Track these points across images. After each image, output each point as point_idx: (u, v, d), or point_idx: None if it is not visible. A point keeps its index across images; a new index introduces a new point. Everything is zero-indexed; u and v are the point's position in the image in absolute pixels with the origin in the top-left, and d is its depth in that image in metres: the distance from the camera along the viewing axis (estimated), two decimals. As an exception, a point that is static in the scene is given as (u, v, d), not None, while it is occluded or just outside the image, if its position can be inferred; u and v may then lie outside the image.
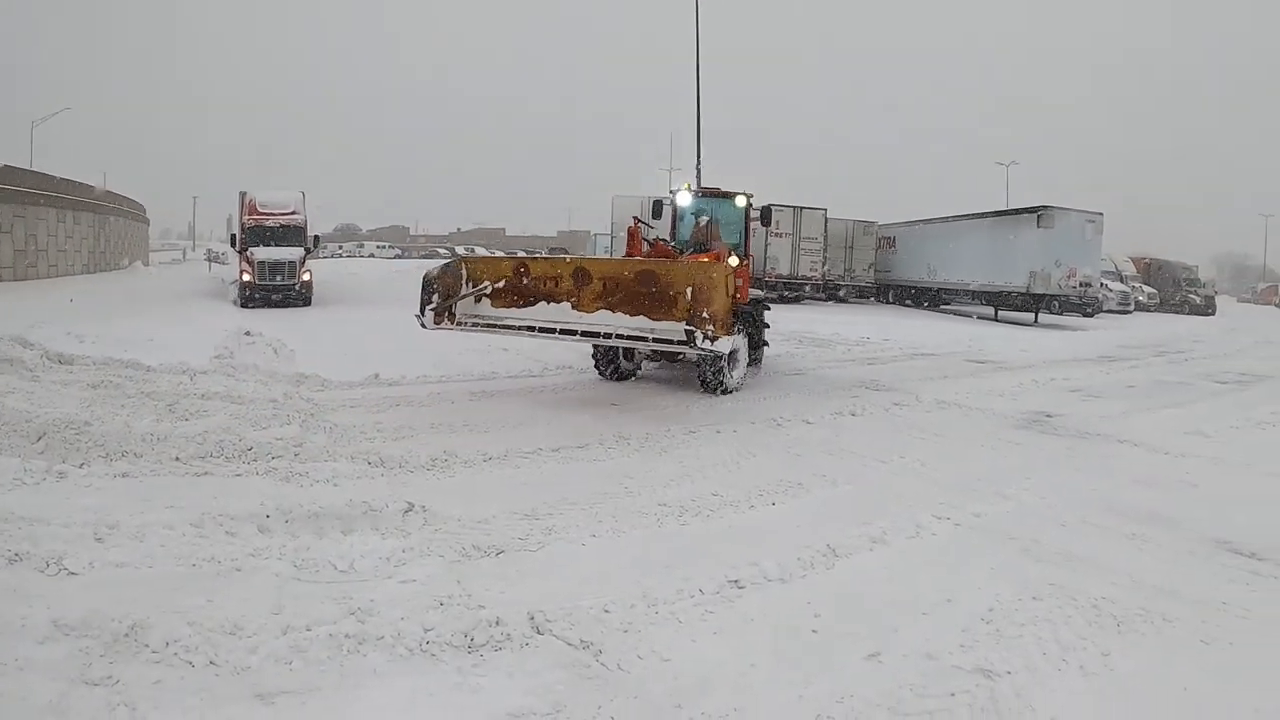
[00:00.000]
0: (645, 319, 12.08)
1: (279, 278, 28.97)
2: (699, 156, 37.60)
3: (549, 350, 18.32)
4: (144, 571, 5.95)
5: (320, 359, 15.83)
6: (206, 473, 8.36)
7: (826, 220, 41.15)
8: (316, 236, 32.22)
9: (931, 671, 5.12)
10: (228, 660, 4.78)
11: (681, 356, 15.20)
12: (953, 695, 4.84)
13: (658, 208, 17.16)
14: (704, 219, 16.00)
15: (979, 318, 38.02)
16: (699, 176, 36.86)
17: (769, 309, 17.47)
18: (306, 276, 29.70)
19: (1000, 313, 37.96)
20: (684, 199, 16.98)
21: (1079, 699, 4.91)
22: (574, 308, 12.75)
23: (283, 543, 6.60)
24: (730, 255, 15.11)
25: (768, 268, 39.02)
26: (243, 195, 31.42)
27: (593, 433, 10.93)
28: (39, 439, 9.10)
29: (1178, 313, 54.19)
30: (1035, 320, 36.31)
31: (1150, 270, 59.24)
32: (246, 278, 28.93)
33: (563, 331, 12.57)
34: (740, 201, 16.53)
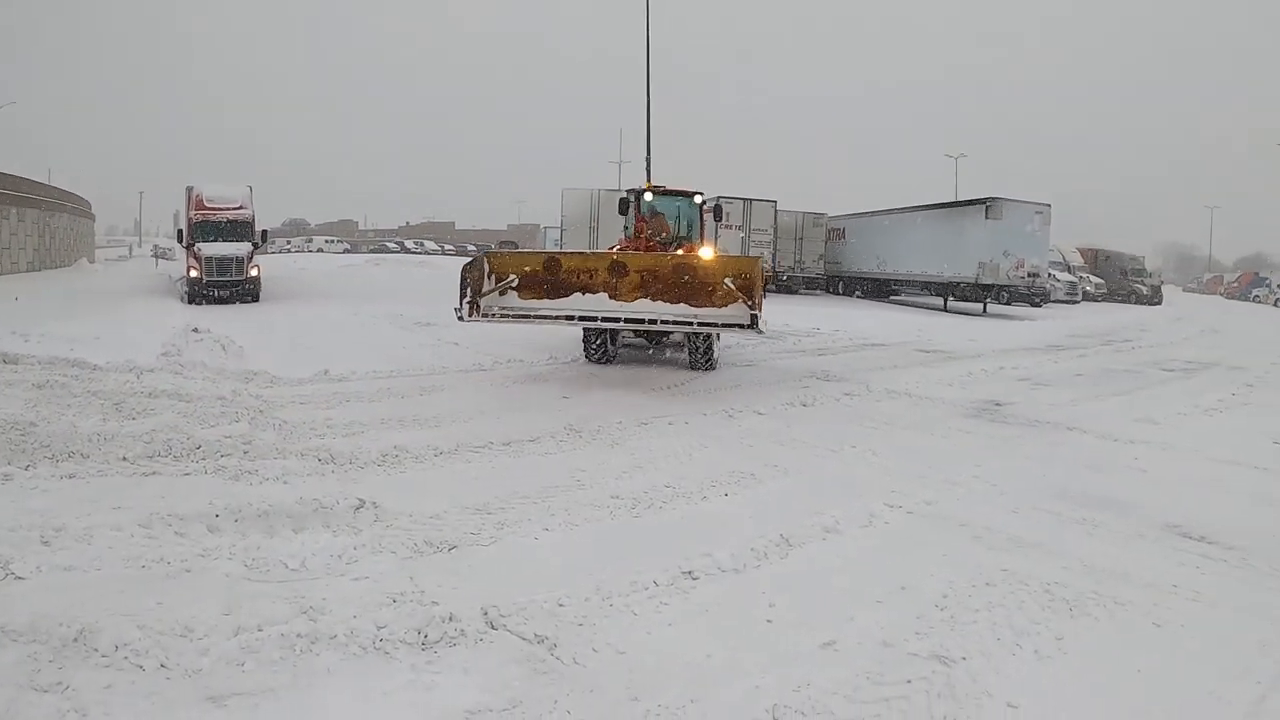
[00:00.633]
0: (686, 306, 13.77)
1: (227, 273, 28.55)
2: (649, 154, 37.63)
3: (499, 345, 18.87)
4: (92, 574, 5.86)
5: (269, 355, 15.75)
6: (154, 472, 8.24)
7: (776, 212, 41.33)
8: (264, 231, 31.87)
9: (887, 659, 5.16)
10: (179, 663, 4.72)
11: (663, 339, 17.74)
12: (909, 682, 4.88)
13: (623, 205, 18.35)
14: (663, 215, 17.89)
15: (928, 308, 38.24)
16: (649, 173, 36.91)
17: None
18: (255, 272, 29.32)
19: (949, 303, 38.22)
20: (648, 197, 17.97)
21: (1034, 683, 4.96)
22: (611, 298, 13.96)
23: (233, 542, 6.52)
24: (704, 248, 16.74)
25: (719, 260, 38.82)
26: (189, 190, 30.84)
27: (544, 426, 10.89)
28: (-17, 441, 8.97)
29: (1125, 302, 54.84)
30: (984, 310, 36.62)
31: (1097, 260, 59.94)
32: (194, 274, 28.46)
33: (605, 319, 13.91)
34: (697, 199, 18.30)
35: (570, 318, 14.06)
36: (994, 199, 34.72)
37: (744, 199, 40.23)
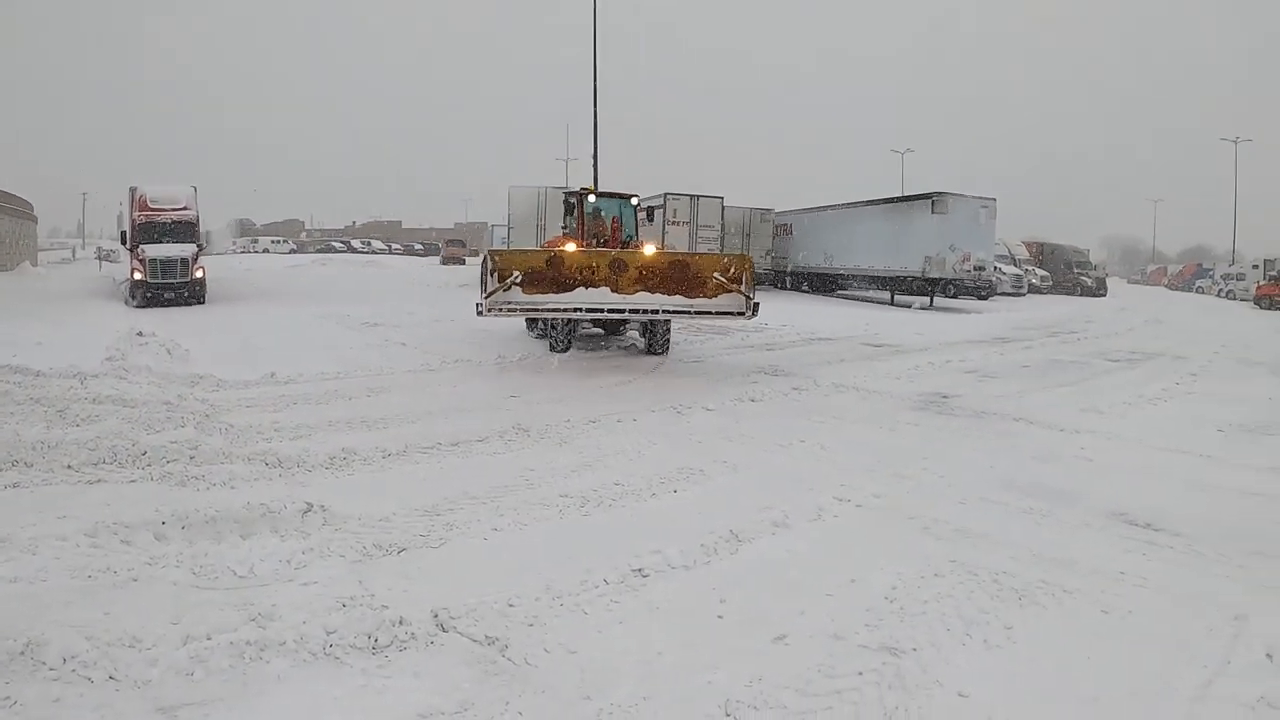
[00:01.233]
0: (682, 297, 15.55)
1: (171, 275, 28.07)
2: (595, 155, 37.68)
3: (447, 345, 18.83)
4: (38, 586, 5.77)
5: (215, 359, 15.59)
6: (100, 480, 8.13)
7: (723, 208, 41.37)
8: (209, 232, 31.57)
9: (838, 652, 5.20)
10: (127, 674, 4.67)
11: (621, 328, 20.02)
12: (860, 674, 4.92)
13: (568, 206, 20.25)
14: (603, 215, 19.53)
15: (875, 303, 38.43)
16: (595, 173, 36.99)
17: None
18: (200, 274, 28.85)
19: (896, 297, 38.40)
20: (591, 199, 19.68)
21: (984, 671, 5.02)
22: (613, 291, 15.41)
23: (180, 550, 6.45)
24: (648, 245, 17.94)
25: (665, 256, 38.96)
26: (133, 190, 30.42)
27: (492, 426, 10.86)
28: (-77, 451, 8.85)
29: (1070, 294, 55.26)
30: (931, 304, 36.82)
31: (1043, 253, 60.50)
32: (138, 276, 28.00)
33: (610, 310, 15.71)
34: (633, 201, 20.12)
35: (578, 310, 15.61)
36: (940, 194, 34.93)
37: (691, 195, 40.25)
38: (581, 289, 15.41)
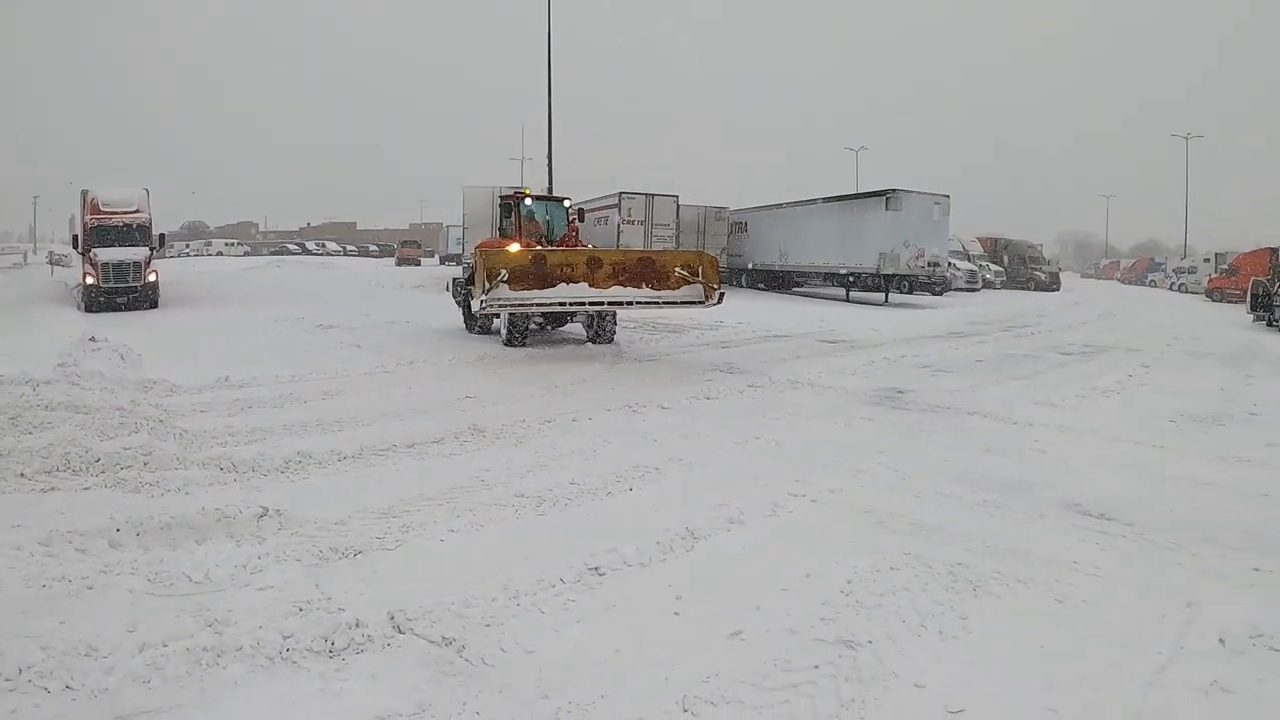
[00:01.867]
0: (650, 289, 17.07)
1: (124, 279, 27.72)
2: (550, 156, 37.70)
3: (402, 346, 18.95)
4: (-8, 596, 5.75)
5: (169, 363, 15.43)
6: (53, 488, 8.07)
7: (679, 207, 41.38)
8: (162, 235, 31.26)
9: (794, 646, 5.23)
10: (84, 683, 4.64)
11: (568, 320, 21.00)
12: (816, 667, 4.95)
13: (505, 208, 21.54)
14: (537, 218, 21.25)
15: (831, 299, 38.57)
16: (550, 173, 37.03)
17: None
18: (153, 277, 28.49)
19: (851, 294, 38.67)
20: (528, 202, 21.25)
21: (940, 662, 5.06)
22: (591, 286, 16.82)
23: (135, 557, 6.41)
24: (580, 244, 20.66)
25: (620, 256, 39.09)
26: (84, 194, 30.16)
27: (448, 427, 10.83)
28: None
29: (1024, 289, 55.91)
30: (886, 300, 37.04)
31: (997, 249, 60.98)
32: (90, 280, 27.65)
33: (591, 304, 17.22)
34: (565, 204, 22.31)
35: (563, 304, 17.11)
36: (894, 190, 35.08)
37: (646, 194, 40.24)
38: (563, 285, 16.74)
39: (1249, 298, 33.73)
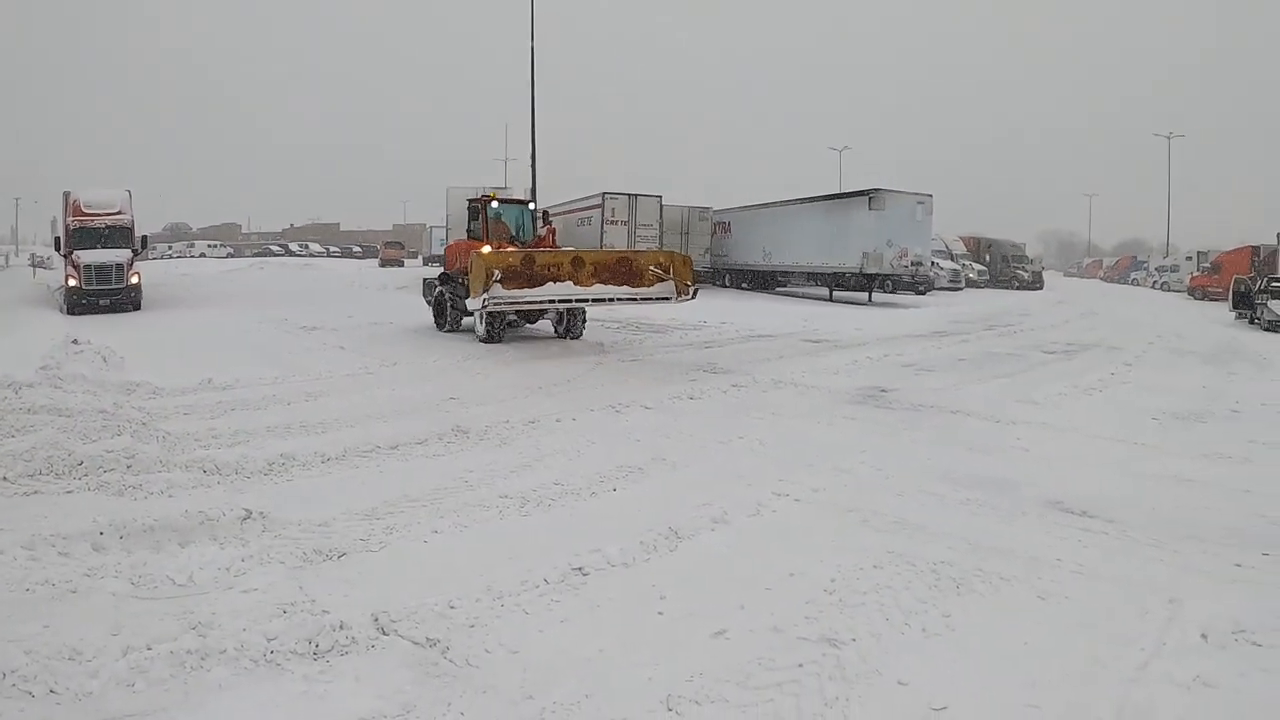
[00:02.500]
0: (628, 287, 18.19)
1: (106, 281, 27.44)
2: (533, 156, 37.69)
3: (385, 347, 19.06)
4: (-25, 601, 5.73)
5: (151, 365, 15.33)
6: (36, 491, 8.04)
7: (662, 207, 41.37)
8: (145, 237, 31.07)
9: (778, 644, 5.25)
10: (68, 687, 4.63)
11: (539, 316, 21.81)
12: (800, 666, 4.98)
13: (473, 211, 22.66)
14: (504, 219, 22.28)
15: (814, 299, 38.62)
16: (534, 174, 37.05)
17: None
18: (135, 279, 28.20)
19: (835, 293, 38.61)
20: (494, 205, 22.37)
21: (923, 660, 5.09)
22: (576, 284, 17.91)
23: (118, 560, 6.40)
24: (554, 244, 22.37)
25: (603, 256, 39.25)
26: (66, 195, 29.86)
27: (431, 428, 10.83)
28: None
29: (1007, 288, 55.98)
30: (869, 299, 37.00)
31: (980, 248, 61.10)
32: (72, 283, 27.34)
33: (577, 300, 18.44)
34: (530, 207, 23.90)
35: (552, 301, 18.36)
36: (877, 190, 35.09)
37: (629, 194, 40.21)
38: (551, 283, 17.79)
39: (1231, 296, 33.94)
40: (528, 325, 22.41)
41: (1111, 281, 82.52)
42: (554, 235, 22.80)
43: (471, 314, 20.34)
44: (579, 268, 18.22)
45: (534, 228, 23.21)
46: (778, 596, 5.97)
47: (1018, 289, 55.94)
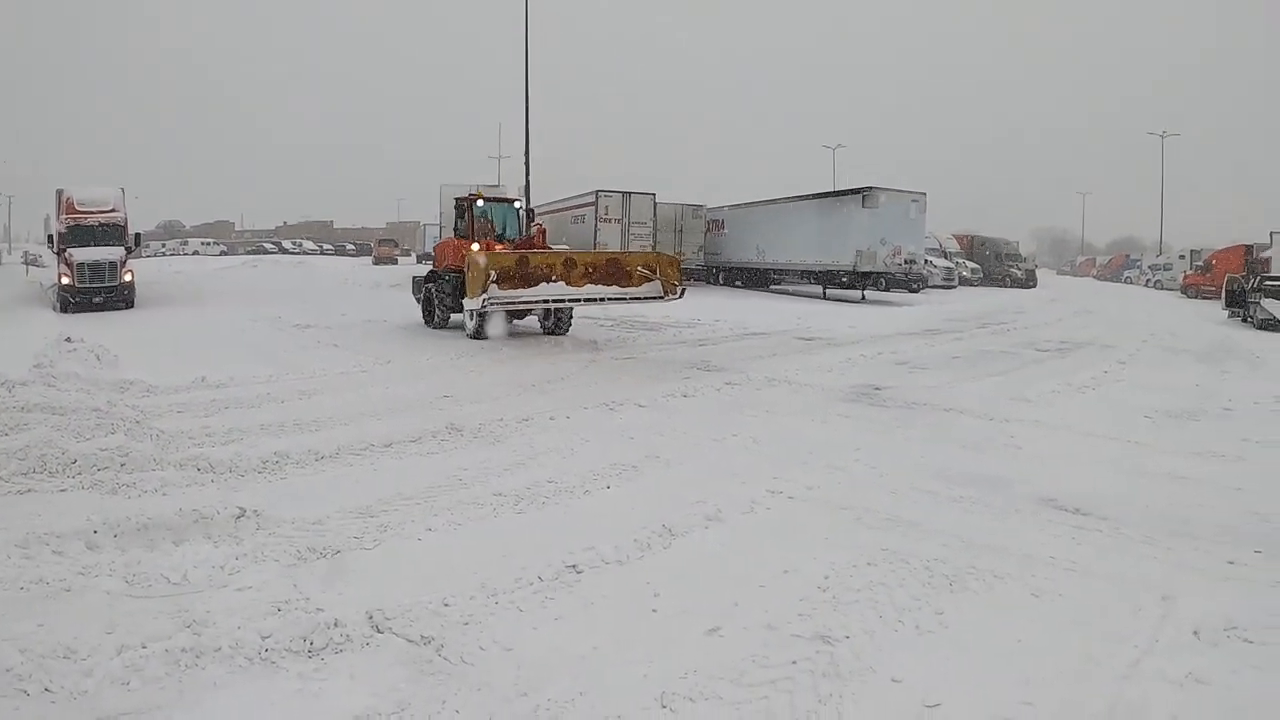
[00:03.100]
0: (617, 287, 19.40)
1: (100, 279, 27.40)
2: (527, 155, 37.65)
3: (379, 345, 19.13)
4: (-30, 600, 5.72)
5: (145, 363, 15.32)
6: (29, 490, 8.04)
7: (655, 205, 41.42)
8: (138, 235, 30.98)
9: (772, 642, 5.27)
10: (63, 685, 4.64)
11: (525, 314, 21.90)
12: (794, 663, 5.00)
13: (459, 209, 23.15)
14: (490, 217, 22.61)
15: (808, 297, 38.65)
16: (527, 173, 37.05)
17: None
18: (129, 277, 28.19)
19: (828, 291, 38.62)
20: (480, 204, 22.53)
21: (917, 657, 5.12)
22: (568, 284, 18.91)
23: (112, 558, 6.40)
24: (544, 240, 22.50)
25: (597, 253, 39.42)
26: (59, 193, 29.81)
27: (425, 426, 10.85)
28: None
29: (1000, 286, 56.01)
30: (862, 298, 37.12)
31: (973, 246, 61.16)
32: (65, 280, 27.32)
33: (570, 300, 19.23)
34: (515, 205, 24.29)
35: (547, 301, 19.15)
36: (871, 188, 35.12)
37: (623, 192, 40.29)
38: (544, 284, 18.70)
39: (1224, 294, 34.08)
40: (515, 322, 22.43)
41: (1105, 280, 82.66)
42: (544, 235, 22.72)
43: (459, 311, 20.90)
44: (571, 269, 19.11)
45: (521, 227, 23.56)
46: (772, 594, 5.99)
47: (1011, 287, 56.01)
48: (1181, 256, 65.47)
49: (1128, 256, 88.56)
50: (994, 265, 59.17)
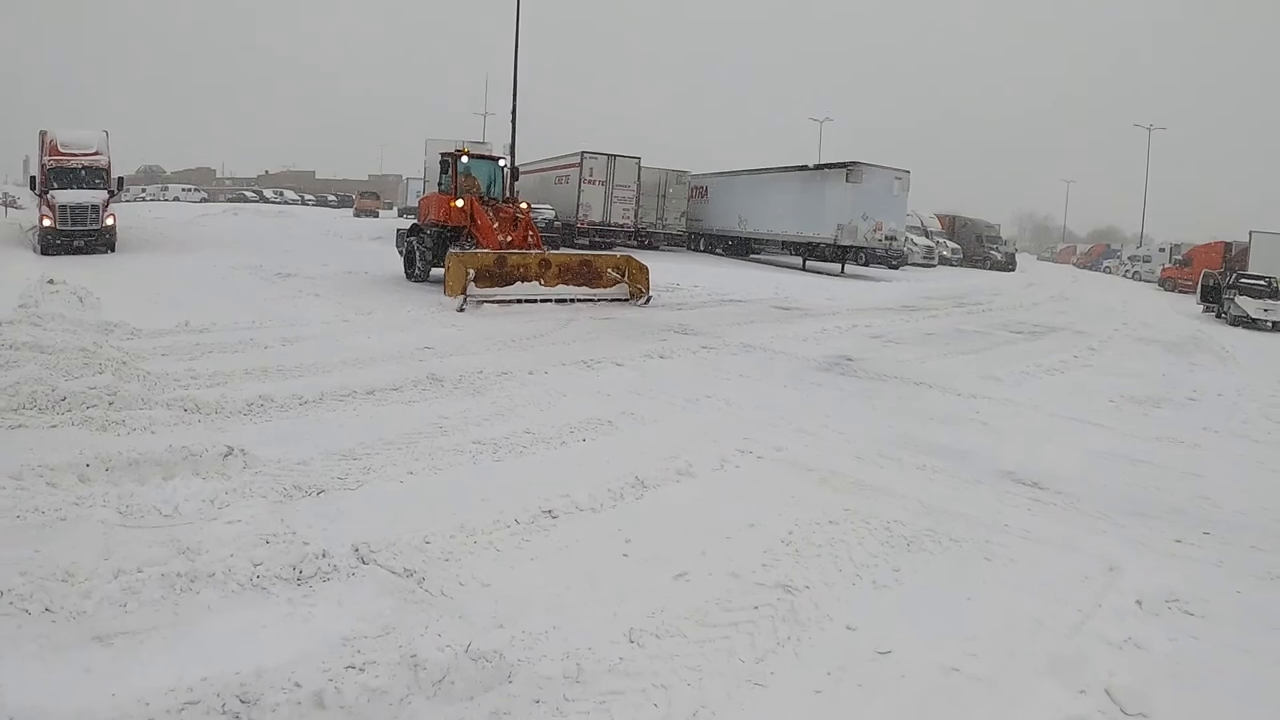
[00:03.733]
0: (588, 287, 20.46)
1: (82, 222, 27.03)
2: (514, 112, 37.57)
3: (360, 297, 19.24)
4: (-34, 527, 5.86)
5: (128, 307, 15.37)
6: (21, 425, 8.16)
7: (640, 169, 41.43)
8: (121, 179, 30.75)
9: (736, 588, 5.55)
10: (63, 606, 4.80)
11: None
12: (756, 608, 5.29)
13: (444, 165, 23.42)
14: (475, 175, 23.43)
15: (788, 267, 38.79)
16: (513, 131, 36.97)
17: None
18: (110, 221, 27.90)
19: (808, 263, 38.72)
20: (464, 160, 23.19)
21: (872, 608, 5.42)
22: (542, 284, 19.82)
23: (105, 490, 6.56)
24: (524, 203, 23.51)
25: (580, 215, 39.66)
26: (43, 135, 29.30)
27: (407, 375, 11.03)
28: None
29: (980, 268, 56.29)
30: (842, 271, 37.18)
31: (955, 226, 61.45)
32: (47, 223, 26.84)
33: (542, 300, 19.42)
34: (500, 163, 24.97)
35: (519, 300, 19.13)
36: (855, 163, 35.18)
37: (608, 155, 40.24)
38: (519, 282, 19.53)
39: (1200, 289, 34.40)
40: None
41: (1084, 268, 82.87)
42: (530, 222, 22.55)
43: (440, 266, 21.10)
44: (545, 269, 20.11)
45: (506, 186, 24.43)
46: (737, 545, 6.26)
47: (990, 269, 56.24)
48: (1161, 250, 65.70)
49: (1108, 246, 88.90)
50: (974, 247, 59.42)
